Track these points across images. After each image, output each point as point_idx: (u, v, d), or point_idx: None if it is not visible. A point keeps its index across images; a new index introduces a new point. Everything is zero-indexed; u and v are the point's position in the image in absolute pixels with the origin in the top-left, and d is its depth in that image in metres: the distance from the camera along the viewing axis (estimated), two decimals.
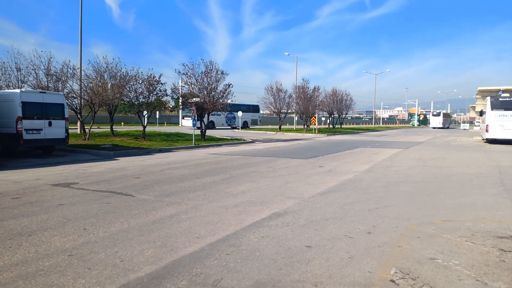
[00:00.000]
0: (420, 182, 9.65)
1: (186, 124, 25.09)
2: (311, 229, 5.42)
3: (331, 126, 53.39)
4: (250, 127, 44.92)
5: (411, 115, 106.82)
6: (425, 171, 11.67)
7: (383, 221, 5.91)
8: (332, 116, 53.52)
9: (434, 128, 68.83)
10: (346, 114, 59.86)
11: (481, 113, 30.79)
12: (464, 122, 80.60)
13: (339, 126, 56.54)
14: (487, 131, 24.74)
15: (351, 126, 76.72)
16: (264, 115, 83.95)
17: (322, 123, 50.82)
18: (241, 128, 42.68)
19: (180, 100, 24.17)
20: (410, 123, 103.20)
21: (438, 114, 72.61)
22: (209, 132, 27.59)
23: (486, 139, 25.20)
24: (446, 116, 74.12)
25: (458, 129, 69.16)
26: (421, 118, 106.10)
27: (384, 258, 4.34)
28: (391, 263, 4.21)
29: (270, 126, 58.79)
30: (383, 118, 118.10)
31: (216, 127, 37.93)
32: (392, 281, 3.75)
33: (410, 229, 5.52)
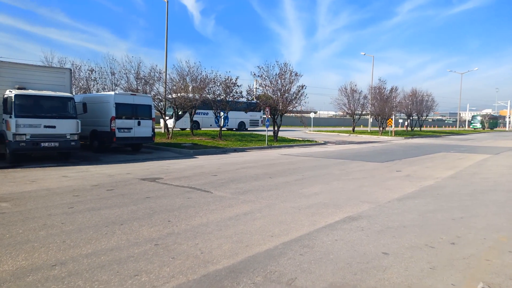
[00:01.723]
0: None
1: (169, 124, 20.87)
2: (388, 236, 5.24)
3: (409, 128, 50.47)
4: (248, 130, 36.89)
5: (472, 117, 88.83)
6: None
7: (469, 231, 5.50)
8: (411, 118, 50.56)
9: None
10: (427, 116, 56.07)
11: None
12: None
13: (419, 128, 53.19)
14: None
15: (432, 128, 71.69)
16: (337, 117, 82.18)
17: (400, 125, 48.25)
18: (236, 130, 35.48)
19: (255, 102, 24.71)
20: (471, 126, 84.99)
21: None
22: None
23: None
24: None
25: None
26: (486, 120, 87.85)
27: (469, 271, 4.05)
28: (478, 277, 3.92)
29: (343, 128, 57.37)
30: (469, 121, 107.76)
31: (202, 128, 31.19)
32: None
33: (501, 241, 5.06)
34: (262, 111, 23.90)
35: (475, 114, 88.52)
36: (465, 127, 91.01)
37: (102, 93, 17.95)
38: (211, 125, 26.89)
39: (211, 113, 24.26)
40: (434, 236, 5.25)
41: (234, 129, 35.72)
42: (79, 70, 20.83)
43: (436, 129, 72.60)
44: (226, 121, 33.13)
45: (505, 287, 3.69)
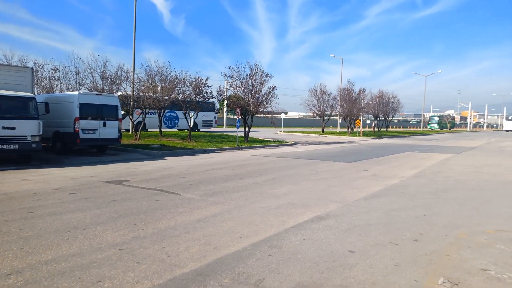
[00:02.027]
0: (472, 190, 9.16)
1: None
2: (354, 234, 5.34)
3: (376, 129, 51.88)
4: (201, 130, 34.45)
5: (430, 118, 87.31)
6: (478, 178, 11.04)
7: (432, 229, 5.69)
8: (378, 119, 52.01)
9: (507, 131, 77.88)
10: (393, 117, 57.91)
11: None
12: None
13: (385, 129, 54.80)
14: None
15: (398, 129, 74.02)
16: (307, 118, 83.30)
17: (367, 126, 49.53)
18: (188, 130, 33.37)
19: (225, 102, 24.61)
20: (429, 127, 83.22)
21: None
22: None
23: None
24: None
25: None
26: (445, 122, 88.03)
27: (431, 267, 4.19)
28: (439, 272, 4.05)
29: (313, 129, 58.20)
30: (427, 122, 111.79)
31: (148, 129, 28.68)
32: None
33: (460, 238, 5.27)
34: (215, 111, 23.61)
35: (433, 115, 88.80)
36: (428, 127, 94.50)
37: (66, 93, 17.31)
38: (160, 126, 24.46)
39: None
40: (398, 234, 5.40)
41: (186, 130, 33.17)
42: (42, 69, 19.96)
43: (401, 129, 75.02)
44: (176, 121, 30.70)
45: (463, 281, 3.84)
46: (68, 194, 7.60)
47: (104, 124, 14.81)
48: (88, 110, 14.37)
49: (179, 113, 25.39)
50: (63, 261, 4.16)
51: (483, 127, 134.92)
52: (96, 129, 14.62)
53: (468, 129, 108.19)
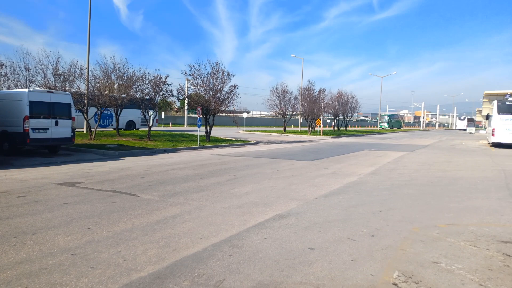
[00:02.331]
0: (425, 186, 9.61)
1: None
2: (314, 231, 5.41)
3: (336, 128, 53.26)
4: (139, 129, 30.64)
5: (380, 117, 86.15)
6: (430, 175, 11.60)
7: (387, 224, 5.89)
8: (337, 118, 53.41)
9: (459, 129, 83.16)
10: (352, 116, 59.73)
11: (488, 117, 30.58)
12: (470, 126, 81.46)
13: (344, 128, 56.38)
14: (493, 135, 24.55)
15: (356, 128, 76.44)
16: (269, 117, 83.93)
17: (327, 125, 50.72)
18: (125, 129, 29.70)
19: (186, 101, 24.24)
20: (379, 126, 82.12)
21: (464, 119, 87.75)
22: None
23: (492, 143, 25.00)
24: (470, 120, 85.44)
25: (464, 132, 68.77)
26: (394, 120, 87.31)
27: (387, 261, 4.32)
28: (394, 266, 4.19)
29: (275, 128, 58.75)
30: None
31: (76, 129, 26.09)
32: (395, 284, 3.73)
33: (414, 232, 5.49)
34: (155, 108, 22.43)
35: (383, 114, 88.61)
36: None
37: (14, 90, 16.26)
38: (89, 126, 21.57)
39: (92, 110, 21.48)
40: (356, 230, 5.54)
41: (123, 129, 29.65)
42: None
43: (359, 128, 77.57)
44: (110, 120, 27.74)
45: (416, 274, 3.99)
46: (16, 197, 7.14)
47: (56, 123, 14.08)
48: (39, 108, 13.59)
49: (113, 111, 22.80)
50: (8, 269, 3.88)
51: (435, 126, 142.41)
52: (48, 129, 13.87)
53: (421, 128, 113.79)
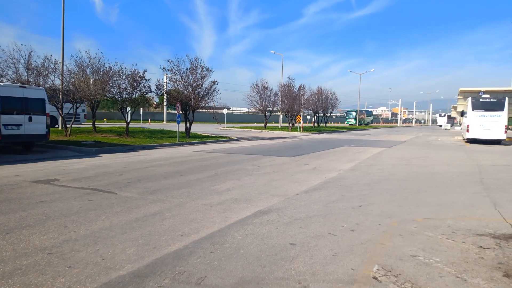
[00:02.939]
0: (403, 181, 9.80)
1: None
2: (295, 227, 5.43)
3: (316, 124, 53.75)
4: (66, 127, 22.02)
5: (347, 113, 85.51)
6: (408, 170, 11.85)
7: (366, 218, 5.97)
8: (317, 114, 53.89)
9: (440, 126, 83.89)
10: (331, 113, 60.41)
11: (462, 114, 31.50)
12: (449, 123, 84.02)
13: (324, 124, 56.98)
14: (468, 131, 25.30)
15: (336, 124, 77.34)
16: (250, 113, 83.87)
17: (307, 122, 51.17)
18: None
19: (165, 97, 23.92)
20: (346, 122, 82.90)
21: (444, 116, 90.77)
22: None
23: (467, 139, 25.76)
24: (450, 118, 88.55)
25: (440, 129, 70.69)
26: (361, 117, 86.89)
27: (367, 255, 4.38)
28: (373, 260, 4.25)
29: (255, 124, 58.77)
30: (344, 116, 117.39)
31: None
32: (375, 278, 3.78)
33: (393, 226, 5.59)
34: (80, 104, 20.66)
35: (350, 110, 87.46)
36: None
37: None
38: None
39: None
40: (336, 225, 5.59)
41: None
42: None
43: (339, 125, 78.52)
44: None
45: (396, 267, 4.06)
46: None
47: (30, 119, 13.63)
48: (11, 104, 13.12)
49: None
50: None
51: (412, 122, 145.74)
52: (21, 125, 13.41)
53: (398, 124, 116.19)
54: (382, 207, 6.81)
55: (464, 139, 28.09)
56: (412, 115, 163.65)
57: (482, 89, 34.99)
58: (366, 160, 14.47)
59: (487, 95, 27.24)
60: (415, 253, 4.49)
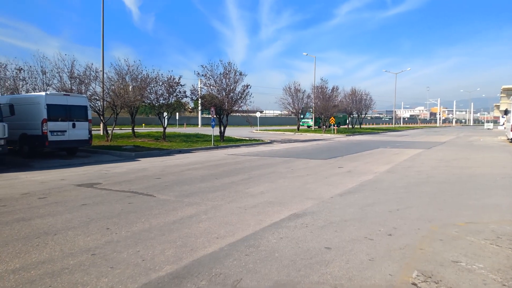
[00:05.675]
0: (443, 183, 9.45)
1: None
2: (330, 231, 5.38)
3: (350, 126, 52.79)
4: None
5: (302, 109, 52.13)
6: (448, 172, 11.40)
7: (404, 222, 5.82)
8: (352, 116, 52.93)
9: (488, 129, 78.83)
10: (366, 114, 59.15)
11: (506, 112, 29.90)
12: (488, 122, 79.60)
13: (359, 126, 55.86)
14: None
15: (371, 126, 75.68)
16: (282, 116, 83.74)
17: (340, 124, 50.30)
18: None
19: (199, 102, 24.41)
20: (301, 123, 47.82)
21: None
22: None
23: (511, 139, 24.42)
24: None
25: (482, 129, 67.42)
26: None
27: (405, 261, 4.27)
28: (412, 266, 4.14)
29: (288, 127, 58.55)
30: (403, 118, 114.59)
31: None
32: (414, 284, 3.69)
33: (432, 231, 5.41)
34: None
35: (308, 110, 58.85)
36: (400, 124, 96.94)
37: (32, 93, 16.63)
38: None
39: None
40: (373, 229, 5.49)
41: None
42: (5, 69, 19.09)
43: (374, 126, 76.78)
44: None
45: (436, 273, 3.94)
46: (37, 199, 7.31)
47: (74, 126, 14.35)
48: (56, 111, 13.87)
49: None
50: (32, 269, 3.98)
51: (452, 122, 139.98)
52: (65, 131, 14.14)
53: (438, 124, 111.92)
54: (420, 210, 6.61)
55: (508, 139, 26.64)
56: (452, 114, 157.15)
57: None
58: (403, 162, 14.06)
59: None
60: (456, 258, 4.33)
